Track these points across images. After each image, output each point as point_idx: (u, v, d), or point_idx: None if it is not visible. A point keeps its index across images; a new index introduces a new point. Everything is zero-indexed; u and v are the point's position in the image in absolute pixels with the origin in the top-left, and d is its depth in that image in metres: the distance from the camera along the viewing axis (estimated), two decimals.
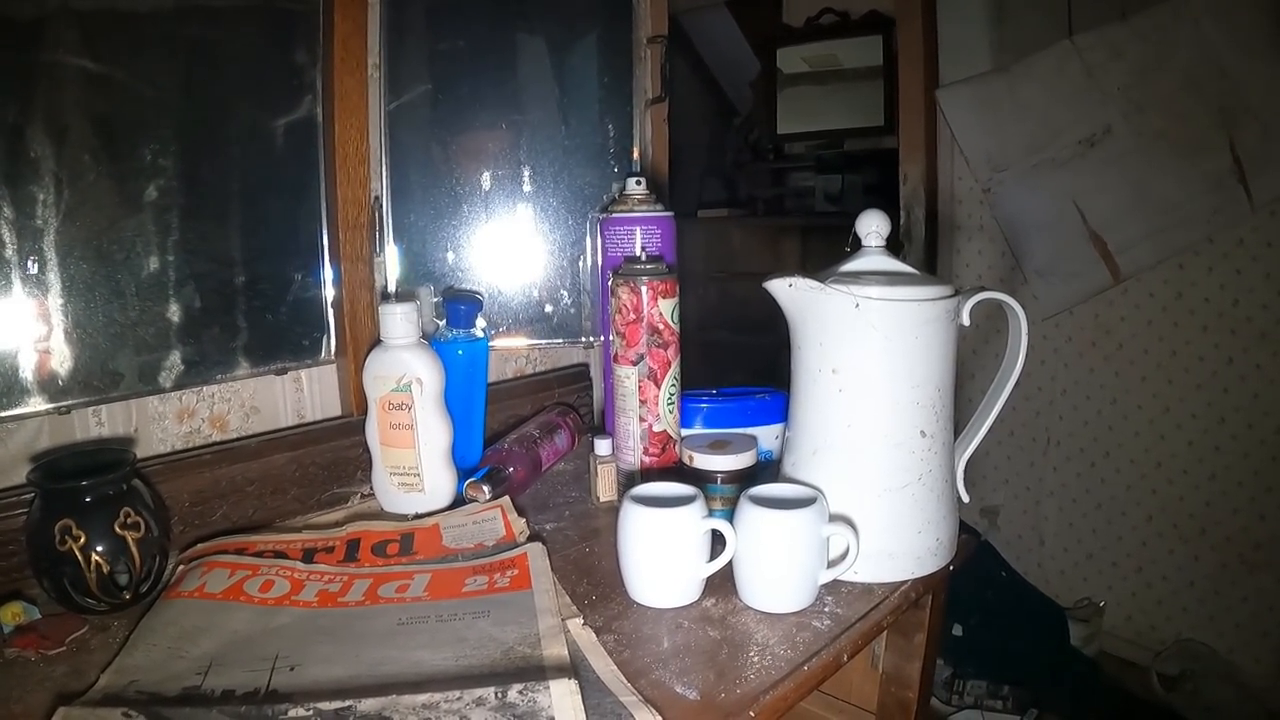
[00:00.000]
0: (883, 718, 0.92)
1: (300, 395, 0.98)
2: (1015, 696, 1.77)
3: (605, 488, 0.94)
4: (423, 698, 0.57)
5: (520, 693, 0.57)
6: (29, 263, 0.79)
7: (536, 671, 0.60)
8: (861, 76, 2.62)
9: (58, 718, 0.56)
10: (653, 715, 0.57)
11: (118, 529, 0.73)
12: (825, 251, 2.69)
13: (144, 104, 0.84)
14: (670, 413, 0.94)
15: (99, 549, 0.71)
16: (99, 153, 0.82)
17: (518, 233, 1.13)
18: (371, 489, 0.94)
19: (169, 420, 0.89)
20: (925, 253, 2.12)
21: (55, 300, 0.80)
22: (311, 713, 0.55)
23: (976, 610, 1.81)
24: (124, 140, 0.83)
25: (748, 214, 3.08)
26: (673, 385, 0.93)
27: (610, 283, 0.93)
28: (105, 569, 0.71)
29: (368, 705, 0.56)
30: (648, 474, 0.93)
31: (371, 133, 0.99)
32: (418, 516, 0.90)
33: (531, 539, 0.84)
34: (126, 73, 0.83)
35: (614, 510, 0.76)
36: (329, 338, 0.99)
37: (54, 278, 0.80)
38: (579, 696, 0.57)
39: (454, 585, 0.75)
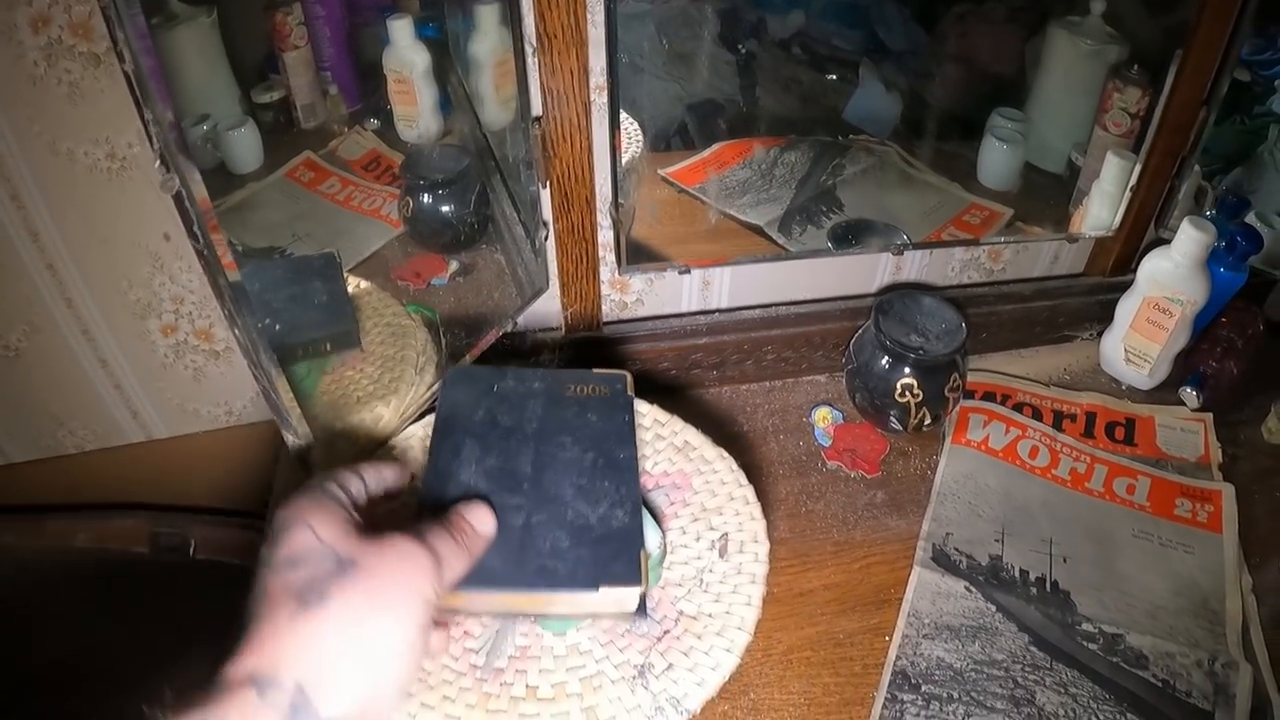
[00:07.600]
0: None
1: (1061, 247, 1.14)
2: None
3: None
4: (1150, 642, 0.83)
5: (1222, 667, 0.82)
6: None
7: (1224, 647, 0.83)
8: None
9: (913, 577, 0.92)
10: None
11: (946, 391, 0.99)
12: None
13: None
14: None
15: (929, 405, 1.00)
16: None
17: None
18: (1094, 334, 1.14)
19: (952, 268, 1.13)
20: None
21: None
22: (1097, 631, 0.85)
23: None
24: None
25: None
26: None
27: None
28: (927, 419, 1.01)
29: (1134, 640, 0.83)
30: None
31: None
32: (1129, 388, 1.10)
33: (1225, 468, 1.00)
34: None
35: None
36: (1115, 217, 1.08)
37: None
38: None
39: (1168, 503, 0.97)
